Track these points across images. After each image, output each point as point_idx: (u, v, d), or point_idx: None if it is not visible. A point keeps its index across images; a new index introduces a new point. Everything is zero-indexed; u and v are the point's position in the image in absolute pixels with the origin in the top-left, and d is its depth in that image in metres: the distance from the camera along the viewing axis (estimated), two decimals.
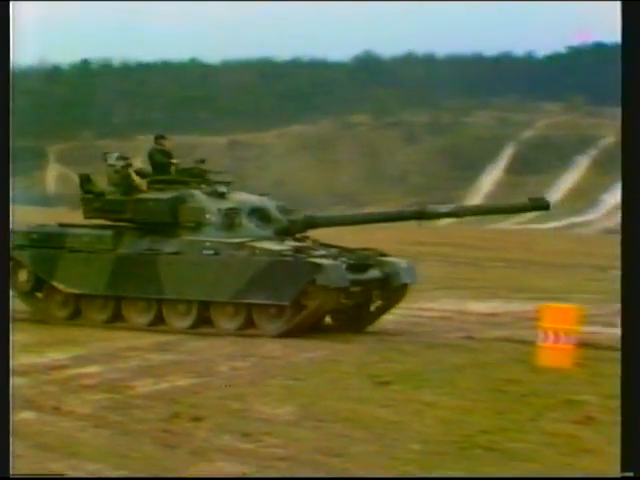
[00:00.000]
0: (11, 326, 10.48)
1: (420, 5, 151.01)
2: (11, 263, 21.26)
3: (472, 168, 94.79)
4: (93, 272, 20.58)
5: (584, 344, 18.47)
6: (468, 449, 12.18)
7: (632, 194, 10.03)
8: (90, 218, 21.60)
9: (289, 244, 20.22)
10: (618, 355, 18.67)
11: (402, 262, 20.94)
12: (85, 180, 21.63)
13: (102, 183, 21.71)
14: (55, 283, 21.09)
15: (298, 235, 21.24)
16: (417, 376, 16.13)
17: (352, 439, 12.22)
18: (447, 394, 14.87)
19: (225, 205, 20.53)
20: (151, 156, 21.70)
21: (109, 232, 20.89)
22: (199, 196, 20.55)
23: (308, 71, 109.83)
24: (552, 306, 17.34)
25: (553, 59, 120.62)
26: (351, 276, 19.43)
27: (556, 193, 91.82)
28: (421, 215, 21.77)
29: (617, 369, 16.77)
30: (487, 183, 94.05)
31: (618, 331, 21.17)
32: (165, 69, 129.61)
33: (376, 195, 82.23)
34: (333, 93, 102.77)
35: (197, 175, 21.40)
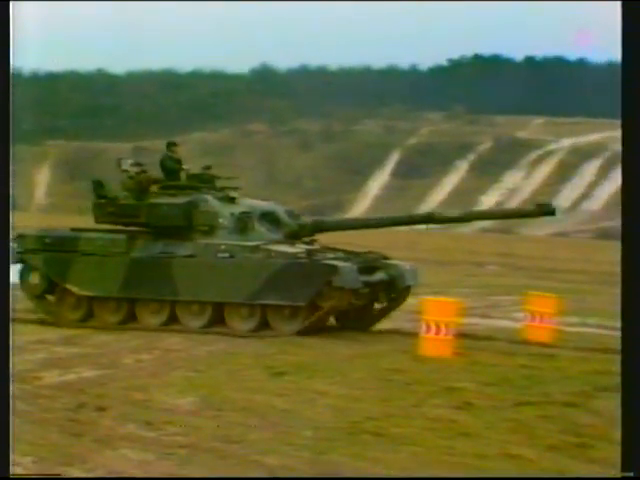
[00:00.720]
0: (11, 327, 10.13)
1: (313, 20, 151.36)
2: (23, 266, 20.96)
3: (361, 173, 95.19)
4: (107, 275, 19.99)
5: (463, 335, 18.64)
6: (356, 435, 12.21)
7: (632, 195, 9.56)
8: (102, 223, 21.03)
9: (301, 247, 19.85)
10: (495, 344, 18.98)
11: (406, 265, 20.59)
12: (98, 185, 21.02)
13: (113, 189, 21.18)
14: (68, 286, 20.42)
15: (306, 239, 20.82)
16: (310, 367, 16.13)
17: (249, 427, 12.19)
18: (337, 383, 14.90)
19: (237, 209, 20.10)
20: (162, 162, 21.14)
21: (123, 236, 20.31)
22: (212, 201, 20.09)
23: (209, 82, 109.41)
24: (433, 300, 17.47)
25: (435, 71, 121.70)
26: (362, 278, 19.11)
27: (438, 195, 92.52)
28: (430, 219, 21.62)
29: (494, 358, 16.99)
30: (375, 187, 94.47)
31: (494, 322, 21.46)
32: (73, 79, 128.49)
33: (273, 198, 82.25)
34: (232, 103, 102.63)
35: (207, 180, 20.98)
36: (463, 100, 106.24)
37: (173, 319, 19.74)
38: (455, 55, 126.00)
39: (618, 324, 19.77)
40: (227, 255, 19.22)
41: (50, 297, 21.08)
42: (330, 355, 17.20)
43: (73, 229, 21.23)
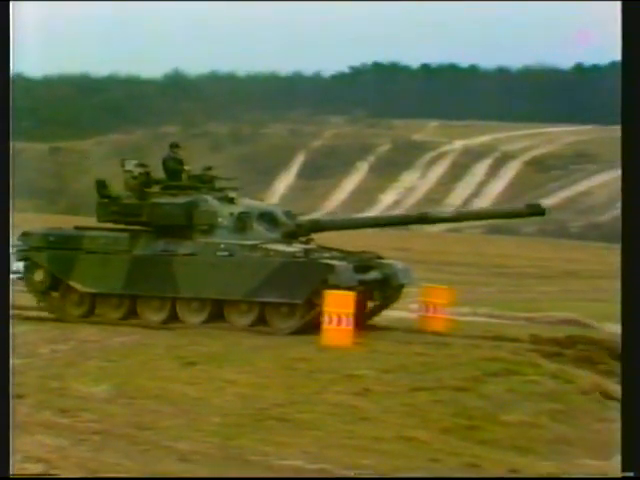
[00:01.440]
0: (11, 327, 9.87)
1: (222, 27, 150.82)
2: (27, 263, 20.47)
3: (268, 173, 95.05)
4: (110, 272, 19.55)
5: (363, 325, 18.73)
6: (263, 420, 12.21)
7: (632, 196, 9.19)
8: (105, 222, 20.54)
9: (298, 246, 19.51)
10: (392, 334, 19.05)
11: (399, 264, 20.20)
12: (101, 185, 20.56)
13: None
14: (72, 283, 19.95)
15: (303, 238, 20.39)
16: (219, 357, 16.09)
17: (161, 414, 12.13)
18: (245, 372, 14.88)
19: (236, 209, 19.76)
20: (165, 163, 20.73)
21: (125, 234, 19.90)
22: (212, 201, 19.74)
23: (124, 86, 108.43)
24: (334, 292, 17.47)
25: (337, 78, 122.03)
26: (357, 276, 18.75)
27: (341, 194, 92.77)
28: (425, 219, 21.35)
29: (391, 347, 17.07)
30: (281, 186, 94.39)
31: (392, 313, 21.54)
32: None
33: None
34: (146, 106, 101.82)
35: (207, 181, 20.56)
36: (363, 105, 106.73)
37: (173, 316, 19.35)
38: (356, 63, 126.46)
39: (507, 313, 20.02)
40: (227, 253, 18.91)
41: (54, 293, 20.59)
42: (239, 346, 17.16)
43: (77, 227, 20.87)
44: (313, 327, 18.11)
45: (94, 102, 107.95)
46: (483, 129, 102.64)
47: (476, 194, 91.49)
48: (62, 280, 20.12)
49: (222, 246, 18.96)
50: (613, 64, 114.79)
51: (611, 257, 49.47)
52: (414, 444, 11.64)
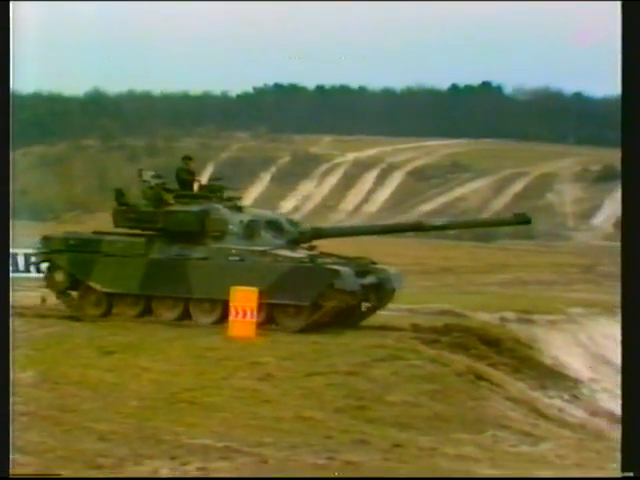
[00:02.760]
0: (11, 326, 9.55)
1: (138, 48, 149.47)
2: (48, 265, 19.88)
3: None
4: (127, 274, 18.91)
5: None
6: (175, 404, 12.16)
7: (632, 197, 8.56)
8: (122, 227, 19.83)
9: (303, 252, 19.03)
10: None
11: (392, 269, 19.73)
12: (119, 194, 19.94)
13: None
14: (91, 283, 19.26)
15: (305, 245, 19.70)
16: (136, 347, 15.96)
17: (82, 398, 12.00)
18: (159, 360, 14.79)
19: (245, 217, 19.19)
20: (178, 174, 20.17)
21: (141, 239, 19.30)
22: (222, 209, 19.14)
23: (47, 103, 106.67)
24: (238, 288, 17.41)
25: (242, 97, 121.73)
26: (359, 281, 18.28)
27: (246, 201, 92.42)
28: (419, 227, 20.87)
29: (289, 337, 17.08)
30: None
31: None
32: None
33: (103, 203, 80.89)
34: (68, 121, 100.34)
35: (216, 191, 20.00)
36: (266, 122, 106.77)
37: (186, 315, 18.77)
38: (259, 84, 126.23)
39: (392, 305, 20.13)
40: (238, 258, 18.42)
41: (73, 293, 19.95)
42: (153, 336, 17.04)
43: (95, 232, 20.29)
44: (318, 326, 17.82)
45: (21, 117, 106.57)
46: (371, 143, 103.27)
47: (365, 200, 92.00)
48: (82, 281, 19.52)
49: (233, 251, 18.49)
50: (484, 84, 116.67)
51: (481, 254, 50.35)
52: (310, 423, 11.68)
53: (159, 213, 19.23)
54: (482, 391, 14.89)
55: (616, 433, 15.06)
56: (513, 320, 20.81)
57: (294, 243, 19.36)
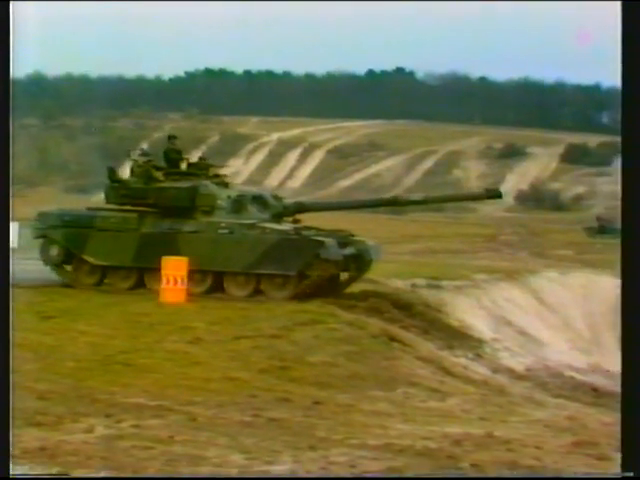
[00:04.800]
0: (11, 326, 9.18)
1: (75, 34, 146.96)
2: (44, 240, 19.26)
3: (117, 160, 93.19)
4: (120, 248, 18.40)
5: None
6: (110, 365, 12.00)
7: (632, 195, 7.96)
8: (114, 203, 19.33)
9: (289, 225, 18.59)
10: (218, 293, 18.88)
11: (370, 241, 19.26)
12: (111, 172, 19.52)
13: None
14: (85, 257, 18.74)
15: (289, 218, 19.17)
16: (73, 312, 15.74)
17: (24, 359, 11.75)
18: (95, 325, 14.59)
19: (232, 193, 18.79)
20: (166, 153, 19.76)
21: (134, 214, 18.80)
22: (211, 185, 18.74)
23: None
24: (170, 258, 17.24)
25: (175, 81, 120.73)
26: (341, 251, 17.85)
27: None
28: (396, 202, 20.44)
29: (218, 303, 16.97)
30: (127, 171, 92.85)
31: None
32: None
33: (45, 178, 79.75)
34: (12, 102, 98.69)
35: (203, 168, 19.62)
36: (197, 104, 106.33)
37: None
38: (190, 68, 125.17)
39: None
40: (227, 231, 18.02)
41: (67, 266, 19.43)
42: (90, 302, 16.81)
43: (89, 208, 19.85)
44: (305, 296, 17.42)
45: None
46: (295, 124, 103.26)
47: (289, 177, 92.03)
48: (76, 254, 19.04)
49: (223, 225, 18.13)
50: (398, 69, 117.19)
51: (395, 226, 50.55)
52: (237, 383, 11.62)
53: (151, 189, 18.84)
54: (395, 352, 14.95)
55: (517, 388, 15.33)
56: (423, 286, 20.92)
57: (278, 217, 19.00)
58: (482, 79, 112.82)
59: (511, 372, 16.72)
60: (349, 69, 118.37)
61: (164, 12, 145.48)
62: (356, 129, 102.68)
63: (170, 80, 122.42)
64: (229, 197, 18.69)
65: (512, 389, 15.07)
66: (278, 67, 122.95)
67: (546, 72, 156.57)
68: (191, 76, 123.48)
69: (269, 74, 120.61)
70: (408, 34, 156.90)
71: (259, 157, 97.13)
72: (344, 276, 19.11)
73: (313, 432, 9.33)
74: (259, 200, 19.05)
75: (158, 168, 19.45)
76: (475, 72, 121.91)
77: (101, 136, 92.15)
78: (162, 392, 10.74)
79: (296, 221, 19.09)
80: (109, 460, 7.86)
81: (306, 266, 17.55)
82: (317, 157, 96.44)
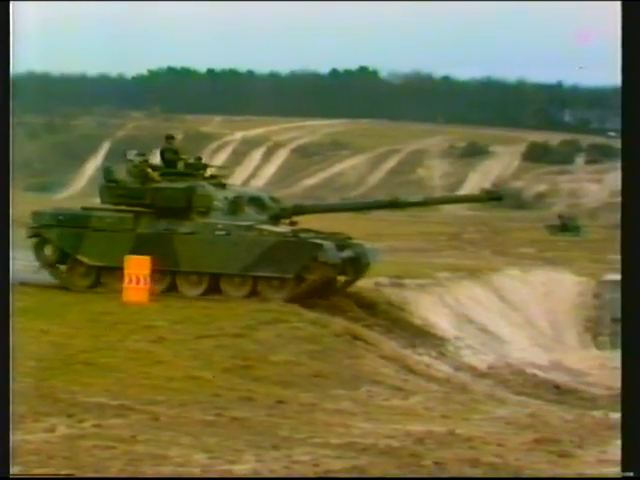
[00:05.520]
0: (11, 326, 9.01)
1: (35, 30, 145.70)
2: (38, 239, 18.91)
3: (79, 158, 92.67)
4: (115, 248, 18.00)
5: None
6: (72, 365, 11.92)
7: (632, 194, 7.79)
8: (109, 203, 19.01)
9: (287, 227, 18.35)
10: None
11: (367, 245, 19.13)
12: (107, 172, 19.21)
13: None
14: (80, 257, 18.42)
15: (287, 220, 18.93)
16: (35, 310, 15.62)
17: None
18: (57, 324, 14.50)
19: (229, 194, 18.49)
20: (163, 153, 19.44)
21: (130, 215, 18.50)
22: (208, 186, 18.45)
23: None
24: (133, 257, 17.12)
25: (137, 79, 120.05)
26: (339, 254, 17.64)
27: None
28: (396, 204, 20.29)
29: (181, 302, 16.89)
30: (90, 169, 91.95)
31: None
32: None
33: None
34: None
35: (200, 168, 19.33)
36: (160, 102, 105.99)
37: (173, 287, 18.04)
38: (153, 67, 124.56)
39: None
40: (224, 233, 17.75)
41: (61, 266, 19.10)
42: (51, 302, 16.70)
43: (84, 208, 19.52)
44: (302, 299, 17.23)
45: None
46: (258, 123, 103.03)
47: (253, 176, 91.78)
48: (70, 254, 18.74)
49: (220, 226, 17.85)
50: (362, 69, 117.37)
51: (358, 225, 50.44)
52: (200, 382, 11.58)
53: (147, 190, 18.55)
54: (358, 350, 14.98)
55: (479, 386, 15.41)
56: (386, 285, 20.96)
57: (275, 219, 18.76)
58: (445, 78, 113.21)
59: (473, 370, 16.81)
60: (313, 68, 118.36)
61: (126, 10, 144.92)
62: (320, 128, 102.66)
63: (133, 78, 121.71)
64: (226, 198, 18.43)
65: (474, 387, 15.16)
66: (242, 66, 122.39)
67: (508, 71, 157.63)
68: (154, 75, 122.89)
69: (233, 73, 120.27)
70: (372, 33, 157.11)
71: (223, 156, 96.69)
72: (340, 279, 18.90)
73: (276, 431, 9.31)
74: (256, 202, 18.79)
75: (154, 168, 19.17)
76: (438, 71, 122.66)
77: (63, 134, 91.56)
78: (124, 391, 10.67)
79: (293, 223, 18.89)
80: (71, 460, 7.80)
81: (304, 269, 17.35)
82: (281, 156, 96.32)
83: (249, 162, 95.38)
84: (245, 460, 8.06)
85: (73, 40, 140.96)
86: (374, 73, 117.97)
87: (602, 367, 19.55)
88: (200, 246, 17.87)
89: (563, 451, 9.09)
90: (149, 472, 7.60)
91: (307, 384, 12.27)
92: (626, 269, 7.78)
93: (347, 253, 18.08)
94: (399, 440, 9.16)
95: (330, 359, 13.88)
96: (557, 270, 25.39)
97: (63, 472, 7.49)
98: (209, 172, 19.62)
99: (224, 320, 15.18)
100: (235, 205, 18.36)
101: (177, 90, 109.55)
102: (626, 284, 7.78)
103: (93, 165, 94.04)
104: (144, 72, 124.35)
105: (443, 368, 16.26)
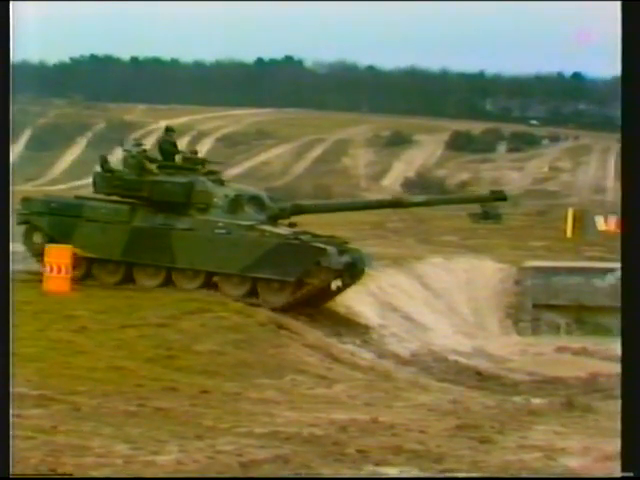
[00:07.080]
0: (11, 326, 8.60)
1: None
2: (27, 227, 18.20)
3: None
4: (109, 240, 17.52)
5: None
6: None
7: (632, 193, 7.65)
8: (103, 193, 18.39)
9: (288, 229, 17.88)
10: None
11: (362, 250, 18.69)
12: (104, 161, 18.63)
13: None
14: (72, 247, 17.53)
15: (285, 221, 18.50)
16: None
17: None
18: None
19: (229, 192, 17.99)
20: (160, 145, 18.95)
21: (125, 206, 17.92)
22: (207, 182, 17.92)
23: None
24: (54, 246, 16.85)
25: (59, 67, 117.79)
26: (341, 260, 17.23)
27: (63, 165, 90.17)
28: (399, 204, 19.92)
29: (104, 292, 16.69)
30: (11, 156, 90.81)
31: None
32: None
33: None
34: None
35: (198, 163, 18.80)
36: (82, 90, 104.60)
37: (168, 281, 17.59)
38: (76, 55, 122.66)
39: None
40: (224, 231, 17.29)
41: None
42: None
43: (77, 197, 18.94)
44: (299, 303, 16.99)
45: None
46: (183, 112, 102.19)
47: None
48: (60, 244, 17.87)
49: (220, 224, 17.40)
50: (287, 58, 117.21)
51: None
52: (123, 372, 11.47)
53: (144, 182, 18.05)
54: (282, 339, 14.99)
55: (402, 373, 15.51)
56: None
57: (274, 219, 18.39)
58: (370, 68, 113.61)
59: (397, 357, 16.93)
60: (238, 57, 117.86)
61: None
62: (245, 117, 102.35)
63: (54, 66, 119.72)
64: (226, 196, 18.02)
65: (397, 374, 15.26)
66: (165, 54, 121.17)
67: (431, 60, 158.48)
68: (76, 62, 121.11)
69: (156, 61, 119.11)
70: (297, 22, 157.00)
71: (147, 145, 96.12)
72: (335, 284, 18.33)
73: (200, 421, 9.26)
74: (256, 201, 18.40)
75: (152, 160, 18.74)
76: (363, 60, 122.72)
77: None
78: (45, 381, 10.52)
79: (292, 224, 18.59)
80: None
81: (305, 273, 17.04)
82: (206, 145, 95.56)
83: None
84: (168, 451, 8.00)
85: None
86: (299, 62, 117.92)
87: (523, 353, 19.86)
88: (198, 243, 17.50)
89: (484, 437, 9.20)
90: (70, 463, 7.49)
91: (231, 374, 12.24)
92: (626, 269, 7.68)
93: (345, 258, 17.77)
94: (322, 428, 9.18)
95: (255, 348, 13.86)
96: (479, 257, 25.66)
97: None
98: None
99: (148, 310, 15.06)
100: (235, 203, 17.95)
101: (100, 78, 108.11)
102: (626, 284, 7.66)
103: (15, 152, 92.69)
104: (66, 60, 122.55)
105: (367, 356, 16.34)
